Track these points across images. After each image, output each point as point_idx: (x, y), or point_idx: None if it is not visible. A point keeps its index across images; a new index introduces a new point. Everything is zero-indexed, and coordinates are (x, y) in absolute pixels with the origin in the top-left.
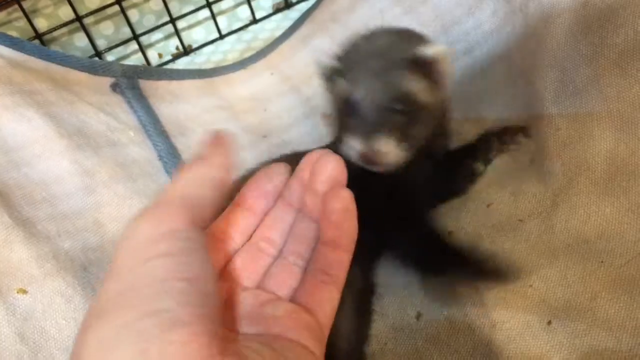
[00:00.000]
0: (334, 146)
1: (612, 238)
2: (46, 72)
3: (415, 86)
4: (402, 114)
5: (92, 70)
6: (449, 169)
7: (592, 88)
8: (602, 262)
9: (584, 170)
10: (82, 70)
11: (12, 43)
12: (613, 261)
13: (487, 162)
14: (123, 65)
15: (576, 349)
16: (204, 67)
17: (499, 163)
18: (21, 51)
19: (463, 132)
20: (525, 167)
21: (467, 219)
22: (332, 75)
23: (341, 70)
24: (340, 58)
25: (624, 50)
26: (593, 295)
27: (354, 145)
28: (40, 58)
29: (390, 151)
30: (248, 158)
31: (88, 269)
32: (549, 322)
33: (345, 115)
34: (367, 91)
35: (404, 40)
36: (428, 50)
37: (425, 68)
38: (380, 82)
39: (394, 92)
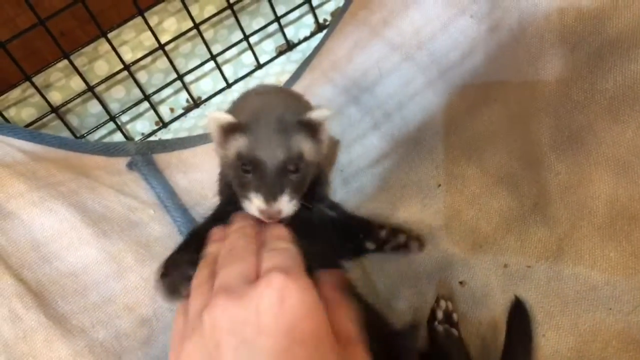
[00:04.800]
0: (229, 201)
1: (619, 284)
2: (65, 161)
3: (306, 147)
4: (294, 172)
5: (107, 152)
6: (343, 234)
7: (587, 133)
8: (610, 309)
9: (586, 214)
10: (97, 154)
11: (32, 137)
12: (621, 308)
13: (379, 247)
14: (137, 143)
15: None
16: None
17: (502, 207)
18: (40, 143)
19: (466, 176)
20: (530, 211)
21: (476, 266)
22: (230, 130)
23: (240, 126)
24: (234, 113)
25: (614, 95)
26: (604, 344)
27: (259, 204)
28: (58, 147)
29: (288, 208)
30: None
31: (122, 357)
32: None
33: (244, 172)
34: (269, 151)
35: (293, 100)
36: (316, 114)
37: (312, 129)
38: (280, 143)
39: (291, 153)
